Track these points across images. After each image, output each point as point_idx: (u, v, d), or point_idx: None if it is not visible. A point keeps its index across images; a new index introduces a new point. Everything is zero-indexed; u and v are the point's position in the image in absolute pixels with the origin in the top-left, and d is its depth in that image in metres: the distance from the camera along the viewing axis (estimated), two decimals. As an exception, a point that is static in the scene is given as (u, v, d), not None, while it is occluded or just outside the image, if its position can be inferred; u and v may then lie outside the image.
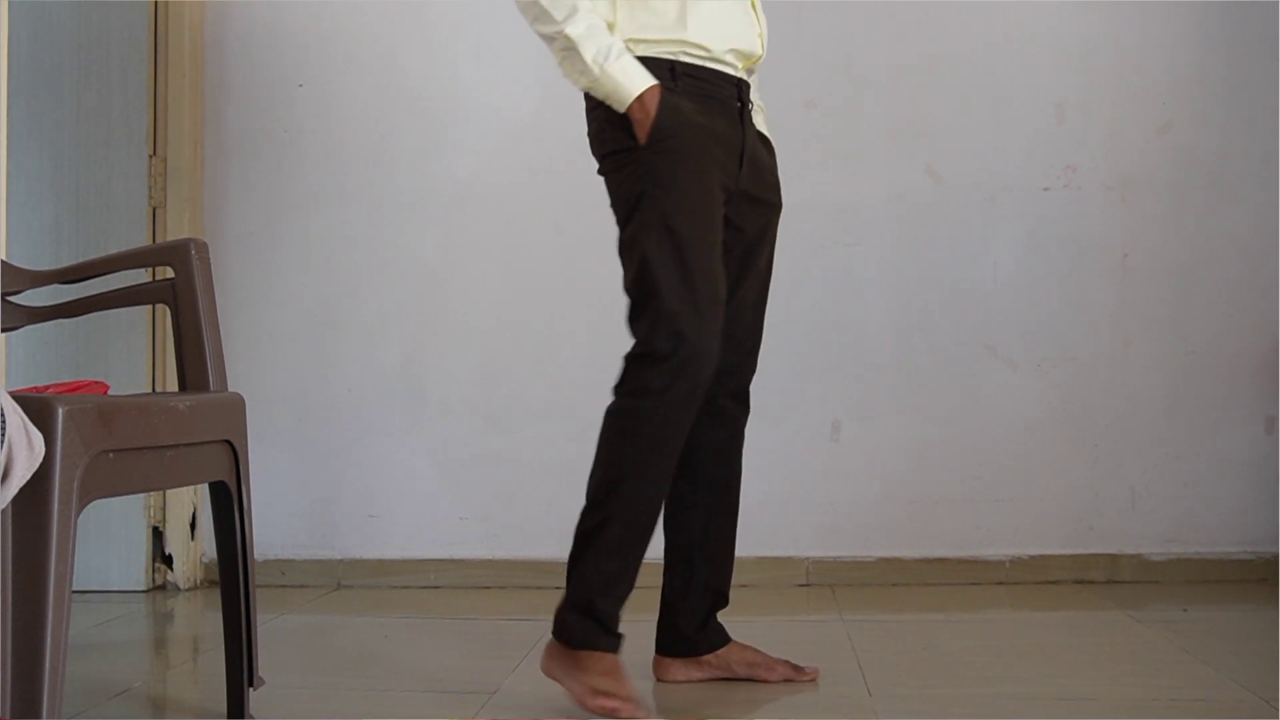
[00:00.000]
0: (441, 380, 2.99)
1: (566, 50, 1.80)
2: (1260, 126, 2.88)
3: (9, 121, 2.14)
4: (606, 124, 1.86)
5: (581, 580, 1.87)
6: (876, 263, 2.93)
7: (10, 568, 1.32)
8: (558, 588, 2.87)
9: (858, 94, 2.94)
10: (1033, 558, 2.88)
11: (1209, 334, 2.89)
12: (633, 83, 1.80)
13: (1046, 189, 2.92)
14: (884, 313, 2.93)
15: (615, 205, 1.89)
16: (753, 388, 2.89)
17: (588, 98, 1.89)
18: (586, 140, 1.93)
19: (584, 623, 1.86)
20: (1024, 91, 2.92)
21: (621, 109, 1.81)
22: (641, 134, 1.81)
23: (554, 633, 1.90)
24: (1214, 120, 2.90)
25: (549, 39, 1.81)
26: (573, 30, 1.78)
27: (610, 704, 1.77)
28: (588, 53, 1.78)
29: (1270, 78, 2.87)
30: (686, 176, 1.83)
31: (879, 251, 2.93)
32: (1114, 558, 2.88)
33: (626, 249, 1.87)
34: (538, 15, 1.80)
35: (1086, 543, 2.89)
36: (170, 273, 1.89)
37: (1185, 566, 2.86)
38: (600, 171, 1.92)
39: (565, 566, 1.90)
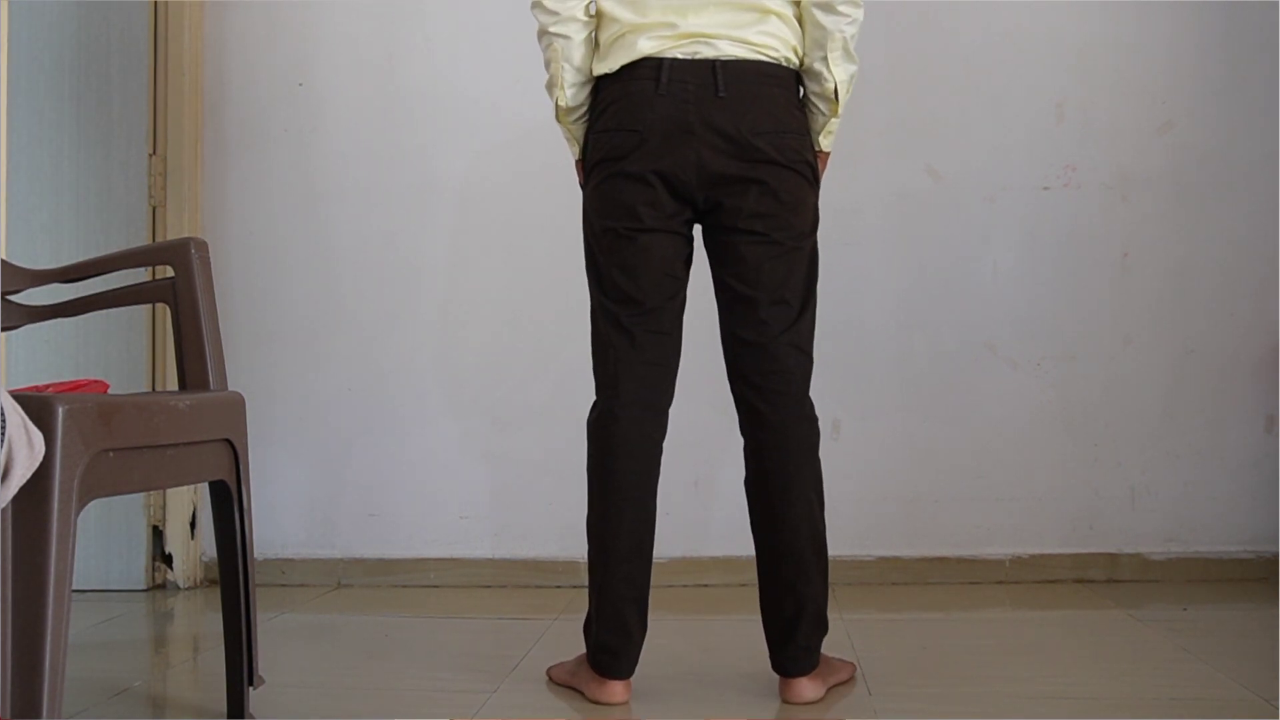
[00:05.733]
0: (442, 379, 3.00)
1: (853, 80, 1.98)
2: (1260, 126, 2.88)
3: (9, 121, 2.15)
4: (810, 145, 1.97)
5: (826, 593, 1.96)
6: (876, 262, 2.93)
7: (10, 567, 1.32)
8: (558, 587, 2.91)
9: (858, 94, 2.92)
10: (1032, 556, 2.88)
11: (1209, 333, 2.89)
12: None
13: (1046, 188, 2.92)
14: (884, 312, 2.93)
15: (800, 206, 1.93)
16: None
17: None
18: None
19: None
20: (1024, 91, 2.92)
21: (829, 148, 2.01)
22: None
23: (814, 668, 1.94)
24: (1214, 120, 2.90)
25: (854, 77, 1.98)
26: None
27: None
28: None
29: (1270, 78, 2.87)
30: None
31: (879, 251, 2.93)
32: (1114, 557, 2.88)
33: (809, 258, 1.95)
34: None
35: (1086, 542, 2.89)
36: (170, 272, 1.89)
37: (1185, 566, 2.86)
38: (798, 171, 1.92)
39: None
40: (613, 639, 1.91)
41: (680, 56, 1.87)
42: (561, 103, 1.97)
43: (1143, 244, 2.91)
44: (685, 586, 2.87)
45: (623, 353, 1.94)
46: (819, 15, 1.90)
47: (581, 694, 1.94)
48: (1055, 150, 2.91)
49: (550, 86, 1.98)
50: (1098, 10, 2.91)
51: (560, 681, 2.01)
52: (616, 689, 1.91)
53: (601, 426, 1.95)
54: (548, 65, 1.96)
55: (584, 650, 1.99)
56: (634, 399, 1.93)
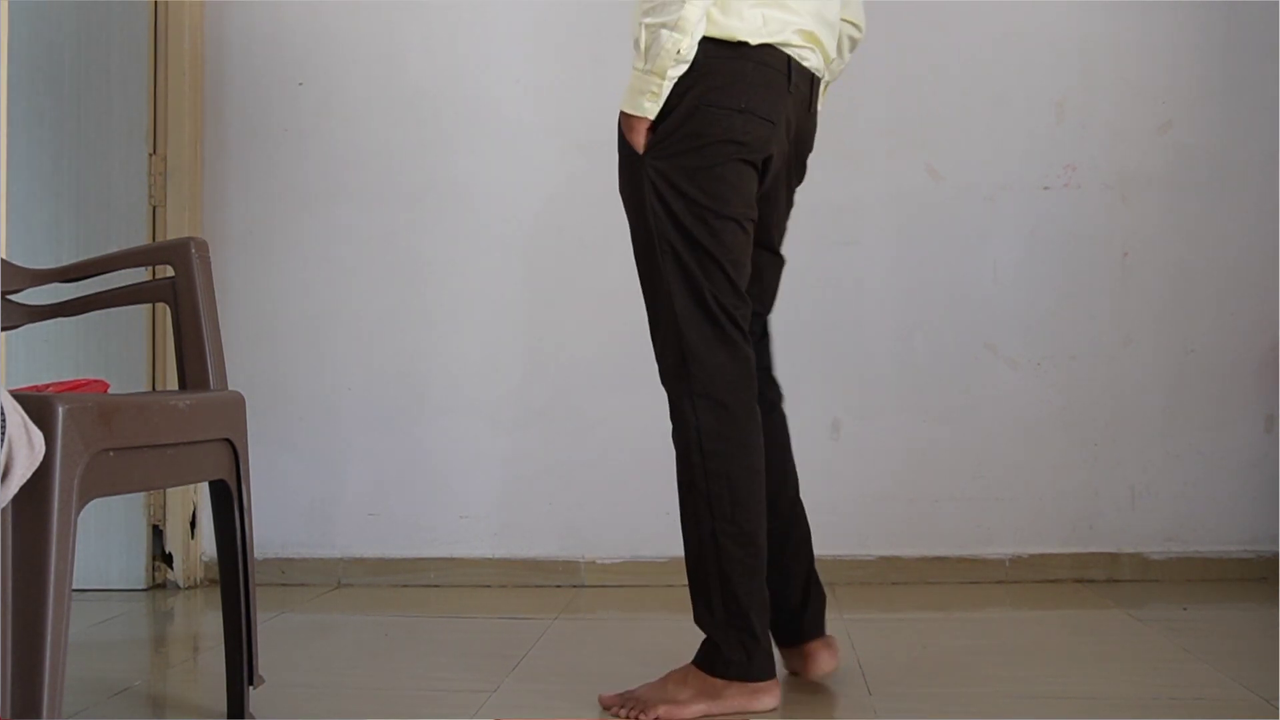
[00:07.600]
0: (441, 379, 2.99)
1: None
2: (1260, 126, 2.88)
3: (9, 121, 2.14)
4: None
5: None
6: (876, 262, 2.93)
7: (10, 567, 1.32)
8: (558, 586, 2.91)
9: (858, 93, 2.93)
10: (1033, 556, 2.88)
11: (1209, 333, 2.89)
12: None
13: (1046, 188, 2.92)
14: (884, 312, 2.93)
15: None
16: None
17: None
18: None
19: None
20: (1024, 90, 2.92)
21: None
22: None
23: None
24: (1214, 120, 2.90)
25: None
26: None
27: None
28: None
29: (1270, 78, 2.87)
30: None
31: (879, 251, 2.93)
32: (1114, 556, 2.88)
33: None
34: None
35: (1086, 542, 2.89)
36: (170, 271, 1.89)
37: (1185, 565, 2.86)
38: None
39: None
40: (768, 640, 1.85)
41: (804, 63, 1.85)
42: (682, 50, 1.70)
43: (1143, 244, 2.91)
44: (685, 586, 2.86)
45: (743, 350, 1.85)
46: (846, 51, 2.04)
47: (745, 714, 1.81)
48: (1055, 150, 2.91)
49: (669, 28, 1.68)
50: (1098, 10, 2.91)
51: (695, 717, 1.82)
52: (778, 687, 1.85)
53: (746, 424, 1.84)
54: (671, 6, 1.68)
55: (673, 671, 1.88)
56: (757, 395, 1.90)
